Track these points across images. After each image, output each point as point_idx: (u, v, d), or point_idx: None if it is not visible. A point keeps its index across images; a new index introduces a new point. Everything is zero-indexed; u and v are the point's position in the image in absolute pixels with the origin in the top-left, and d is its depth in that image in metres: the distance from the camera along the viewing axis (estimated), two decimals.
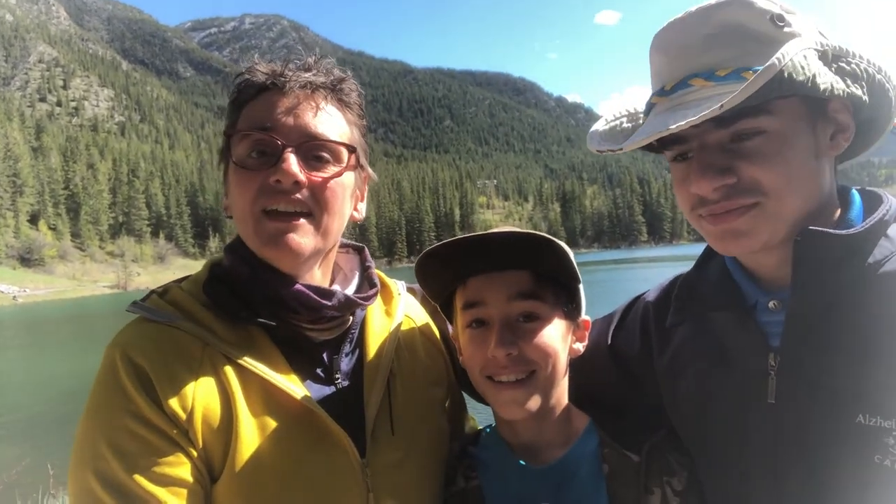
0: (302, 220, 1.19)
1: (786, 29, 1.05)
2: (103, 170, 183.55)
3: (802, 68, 0.96)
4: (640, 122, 1.26)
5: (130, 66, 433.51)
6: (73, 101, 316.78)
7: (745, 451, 1.20)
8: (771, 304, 1.17)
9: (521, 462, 1.36)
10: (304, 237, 1.19)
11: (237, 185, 1.21)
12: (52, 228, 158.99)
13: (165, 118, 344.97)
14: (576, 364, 1.42)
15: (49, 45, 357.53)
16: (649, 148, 1.18)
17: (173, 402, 1.10)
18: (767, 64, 0.94)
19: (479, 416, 1.68)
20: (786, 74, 0.95)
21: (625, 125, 1.29)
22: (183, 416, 1.10)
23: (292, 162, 1.16)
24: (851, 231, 1.07)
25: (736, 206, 1.08)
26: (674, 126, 1.01)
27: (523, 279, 1.29)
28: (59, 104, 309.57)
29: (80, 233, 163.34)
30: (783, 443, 1.13)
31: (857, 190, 1.21)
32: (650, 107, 1.18)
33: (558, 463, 1.34)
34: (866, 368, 1.03)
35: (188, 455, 1.10)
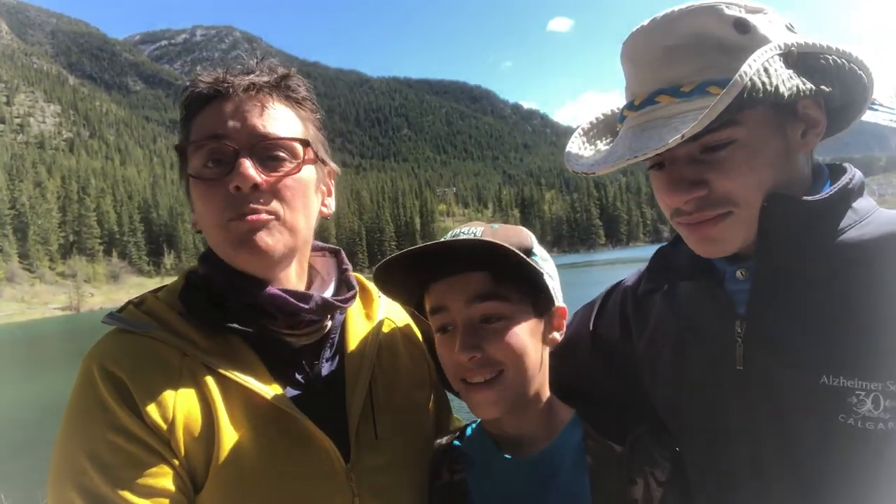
0: (269, 218, 1.19)
1: (750, 35, 1.05)
2: (52, 188, 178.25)
3: (763, 84, 0.96)
4: (616, 129, 1.26)
5: (78, 80, 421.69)
6: (17, 117, 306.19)
7: (721, 420, 1.22)
8: (738, 274, 1.20)
9: (506, 456, 1.36)
10: (272, 236, 1.19)
11: (200, 199, 1.21)
12: None
13: (116, 133, 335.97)
14: (558, 352, 1.43)
15: None
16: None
17: (153, 413, 1.09)
18: (726, 89, 0.95)
19: (466, 415, 1.64)
20: (745, 95, 0.95)
21: (602, 138, 1.31)
22: (164, 426, 1.09)
23: (248, 166, 1.15)
24: (815, 198, 1.09)
25: (709, 217, 1.10)
26: (640, 155, 1.03)
27: (481, 281, 1.29)
28: (2, 121, 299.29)
29: (28, 254, 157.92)
30: (755, 409, 1.16)
31: (826, 165, 1.22)
32: (622, 118, 1.19)
33: (541, 455, 1.35)
34: (829, 331, 1.07)
35: (170, 465, 1.09)
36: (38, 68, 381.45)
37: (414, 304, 1.45)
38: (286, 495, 1.17)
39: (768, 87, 0.97)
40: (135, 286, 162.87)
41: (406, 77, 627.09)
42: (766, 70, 0.97)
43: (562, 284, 1.37)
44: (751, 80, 0.95)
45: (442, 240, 1.27)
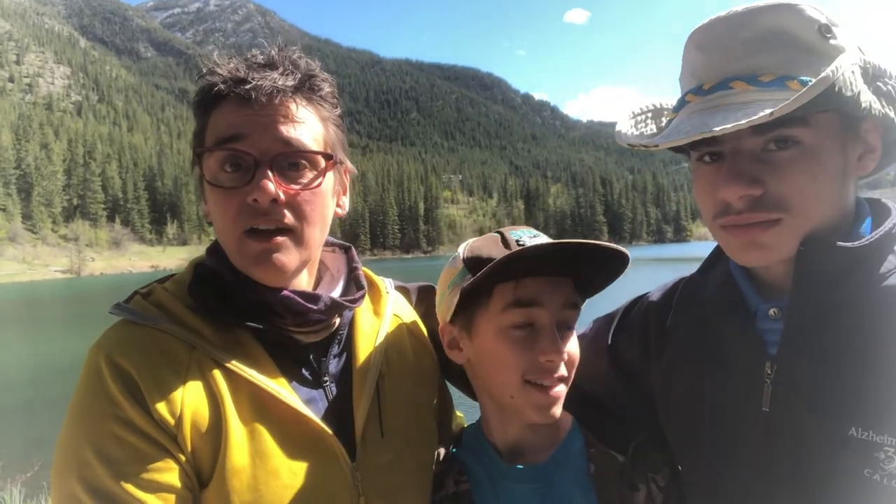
0: (284, 238, 1.17)
1: (832, 41, 1.04)
2: (58, 150, 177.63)
3: (851, 84, 0.97)
4: (664, 118, 1.25)
5: (89, 43, 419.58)
6: (26, 77, 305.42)
7: (736, 456, 1.20)
8: (771, 312, 1.18)
9: (508, 465, 1.36)
10: (287, 254, 1.18)
11: (216, 204, 1.19)
12: (2, 209, 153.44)
13: (125, 99, 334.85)
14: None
15: (1, 18, 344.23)
16: (675, 146, 1.19)
17: (161, 407, 1.08)
18: (822, 75, 0.93)
19: (469, 413, 1.67)
20: (836, 88, 0.95)
21: (649, 124, 1.28)
22: (171, 421, 1.09)
23: (268, 180, 1.13)
24: (857, 244, 1.07)
25: (759, 219, 1.07)
26: (718, 129, 1.00)
27: (571, 289, 1.33)
28: (11, 80, 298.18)
29: (31, 215, 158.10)
30: (775, 451, 1.14)
31: (866, 200, 1.20)
32: (682, 104, 1.16)
33: (546, 465, 1.35)
34: (862, 382, 1.04)
35: (177, 460, 1.08)
36: (49, 28, 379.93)
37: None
38: (292, 493, 1.16)
39: (854, 89, 0.97)
40: (136, 253, 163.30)
41: (418, 60, 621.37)
42: (853, 73, 0.97)
43: None
44: (842, 75, 0.95)
45: (583, 241, 1.25)
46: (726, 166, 1.09)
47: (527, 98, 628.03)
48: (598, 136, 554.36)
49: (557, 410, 1.30)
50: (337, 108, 1.31)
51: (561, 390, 1.30)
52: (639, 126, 1.27)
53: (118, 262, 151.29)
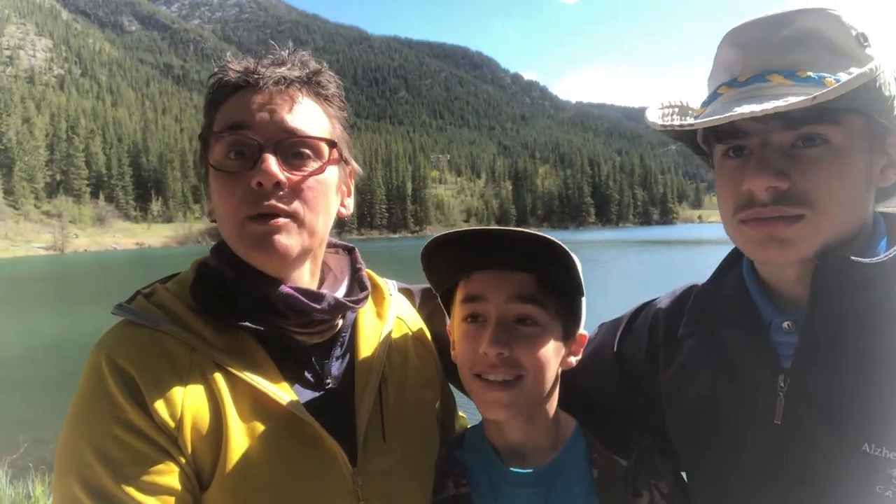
0: (286, 220, 1.17)
1: (867, 50, 1.07)
2: (40, 125, 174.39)
3: (890, 85, 1.00)
4: (689, 117, 1.26)
5: (71, 15, 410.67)
6: (6, 49, 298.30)
7: (744, 467, 1.20)
8: (785, 325, 1.18)
9: (511, 469, 1.35)
10: (289, 238, 1.17)
11: (219, 192, 1.19)
12: None
13: (108, 73, 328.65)
14: (579, 365, 1.42)
15: None
16: (691, 144, 1.25)
17: (162, 409, 1.08)
18: (868, 66, 0.96)
19: (474, 414, 1.64)
20: (877, 84, 0.97)
21: (675, 118, 1.28)
22: (172, 423, 1.08)
23: (271, 163, 1.14)
24: (874, 260, 1.07)
25: (784, 213, 1.08)
26: (771, 106, 1.00)
27: (527, 282, 1.29)
28: None
29: (13, 190, 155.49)
30: (785, 464, 1.14)
31: (882, 215, 1.20)
32: (714, 97, 1.17)
33: (548, 468, 1.34)
34: (876, 398, 1.04)
35: (177, 463, 1.08)
36: (30, 0, 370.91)
37: (444, 291, 1.43)
38: (291, 497, 1.16)
39: (892, 91, 1.00)
40: (121, 230, 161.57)
41: (407, 38, 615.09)
42: (894, 78, 1.00)
43: None
44: (883, 73, 0.97)
45: (504, 228, 1.26)
46: (755, 158, 1.09)
47: (516, 78, 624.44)
48: (588, 117, 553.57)
49: (506, 408, 1.28)
50: (344, 110, 1.32)
51: (509, 388, 1.27)
52: (665, 119, 1.27)
53: (102, 238, 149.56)
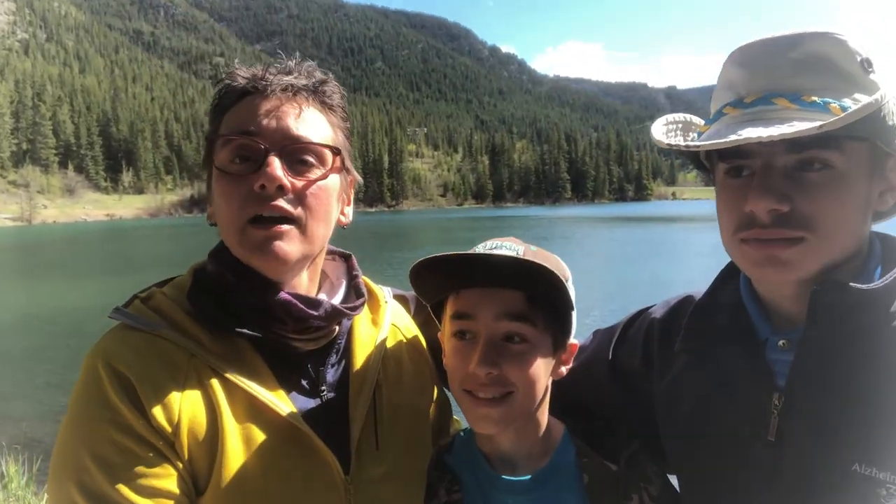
0: (287, 227, 1.18)
1: (871, 76, 1.09)
2: (4, 91, 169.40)
3: (894, 114, 1.03)
4: (692, 133, 1.29)
5: None
6: None
7: (737, 480, 1.22)
8: (780, 343, 1.20)
9: (502, 476, 1.36)
10: (290, 244, 1.18)
11: (222, 194, 1.20)
12: None
13: (75, 39, 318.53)
14: (572, 373, 1.44)
15: None
16: (693, 160, 1.27)
17: (159, 414, 1.09)
18: (874, 96, 0.99)
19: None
20: (881, 114, 1.00)
21: (678, 135, 1.31)
22: (169, 427, 1.09)
23: (276, 166, 1.15)
24: (870, 286, 1.09)
25: (784, 236, 1.09)
26: (777, 133, 1.02)
27: (516, 300, 1.29)
28: None
29: None
30: (778, 481, 1.16)
31: (877, 236, 1.23)
32: (719, 115, 1.18)
33: (539, 474, 1.36)
34: (868, 418, 1.06)
35: (174, 467, 1.09)
36: None
37: (433, 304, 1.44)
38: None
39: (894, 121, 1.03)
40: (91, 202, 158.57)
41: (383, 7, 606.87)
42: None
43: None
44: (888, 103, 1.00)
45: (489, 252, 1.27)
46: (757, 180, 1.11)
47: (494, 50, 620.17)
48: (565, 91, 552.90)
49: (496, 424, 1.29)
50: (346, 120, 1.36)
51: (499, 405, 1.28)
52: (668, 135, 1.30)
53: (72, 210, 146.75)
